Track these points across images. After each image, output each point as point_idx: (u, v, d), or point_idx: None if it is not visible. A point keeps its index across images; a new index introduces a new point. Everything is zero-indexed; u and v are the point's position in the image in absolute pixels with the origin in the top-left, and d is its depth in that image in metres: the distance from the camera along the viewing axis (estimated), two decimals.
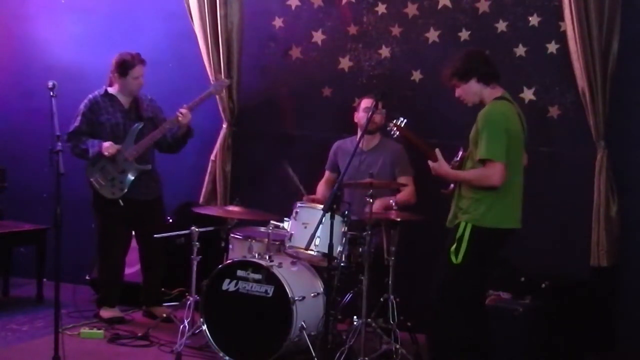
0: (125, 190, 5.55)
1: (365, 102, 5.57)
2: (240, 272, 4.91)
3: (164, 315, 5.51)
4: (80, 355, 4.79)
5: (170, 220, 6.05)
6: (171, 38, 6.51)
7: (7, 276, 6.32)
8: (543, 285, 5.15)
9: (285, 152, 6.28)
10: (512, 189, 4.32)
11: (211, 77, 6.26)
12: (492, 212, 4.25)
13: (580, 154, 5.53)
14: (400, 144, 5.55)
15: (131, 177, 5.56)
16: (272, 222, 5.19)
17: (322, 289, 5.03)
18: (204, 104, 5.73)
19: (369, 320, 4.85)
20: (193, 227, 5.18)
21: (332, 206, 4.49)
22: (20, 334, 5.35)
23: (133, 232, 5.84)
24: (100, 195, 5.58)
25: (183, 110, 5.53)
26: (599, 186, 5.39)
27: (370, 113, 4.88)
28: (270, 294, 4.83)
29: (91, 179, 5.59)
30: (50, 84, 4.52)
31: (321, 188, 5.82)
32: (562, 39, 5.52)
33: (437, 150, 4.40)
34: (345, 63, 6.14)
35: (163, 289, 5.95)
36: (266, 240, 5.15)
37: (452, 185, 4.46)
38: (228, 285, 4.93)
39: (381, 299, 4.97)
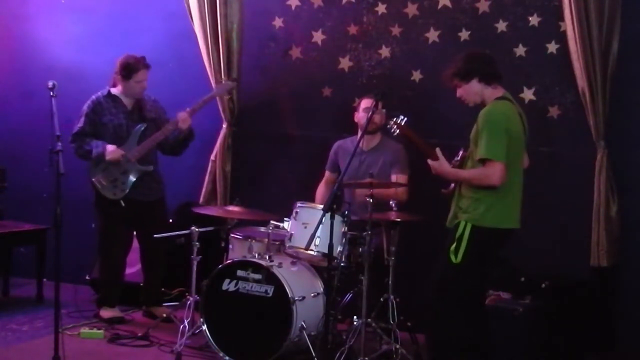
0: (127, 190, 5.55)
1: (365, 103, 5.57)
2: (240, 272, 4.91)
3: (164, 315, 5.52)
4: (80, 355, 4.79)
5: (170, 221, 6.05)
6: (171, 38, 6.51)
7: (7, 276, 6.32)
8: (543, 285, 5.15)
9: (285, 152, 6.29)
10: (512, 189, 4.32)
11: (211, 77, 6.26)
12: (492, 212, 4.25)
13: (580, 154, 5.53)
14: (401, 144, 5.56)
15: (133, 178, 5.56)
16: (272, 222, 5.19)
17: (322, 289, 5.03)
18: (196, 105, 5.72)
19: (369, 320, 4.85)
20: (193, 227, 5.18)
21: (332, 206, 4.49)
22: (20, 334, 5.35)
23: (134, 233, 5.83)
24: (102, 195, 5.58)
25: (182, 115, 5.52)
26: (599, 186, 5.39)
27: (370, 113, 4.88)
28: (270, 294, 4.83)
29: (93, 179, 5.59)
30: (50, 84, 4.52)
31: (321, 188, 5.82)
32: (562, 39, 5.52)
33: (437, 150, 4.40)
34: (345, 63, 6.14)
35: (163, 289, 5.95)
36: (266, 240, 5.15)
37: (452, 185, 4.46)
38: (228, 285, 4.93)
39: (381, 299, 4.97)
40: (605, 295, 5.42)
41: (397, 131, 4.66)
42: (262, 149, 6.38)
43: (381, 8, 6.02)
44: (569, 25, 5.37)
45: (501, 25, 5.73)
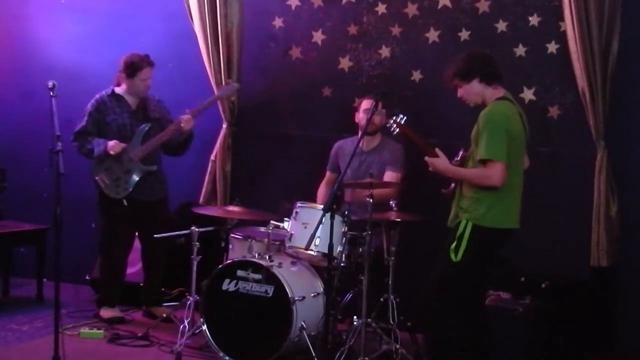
0: (130, 190, 5.55)
1: (366, 104, 5.57)
2: (240, 272, 4.91)
3: (164, 315, 5.52)
4: (80, 355, 4.79)
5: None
6: (171, 38, 6.51)
7: (7, 276, 6.33)
8: (543, 285, 5.15)
9: (285, 152, 6.28)
10: (513, 189, 4.32)
11: (211, 77, 6.27)
12: (493, 212, 4.25)
13: (580, 154, 5.53)
14: (400, 144, 5.56)
15: (136, 177, 5.56)
16: (272, 222, 5.19)
17: (322, 289, 5.03)
18: (197, 106, 5.72)
19: (369, 320, 4.85)
20: (193, 227, 5.18)
21: (332, 206, 4.50)
22: (20, 334, 5.35)
23: (136, 233, 5.83)
24: (105, 194, 5.58)
25: (185, 117, 5.52)
26: (599, 186, 5.39)
27: (370, 114, 4.88)
28: (270, 294, 4.83)
29: (96, 178, 5.59)
30: (50, 84, 4.52)
31: (322, 189, 5.82)
32: (562, 39, 5.52)
33: (437, 150, 4.40)
34: (345, 63, 6.14)
35: (163, 289, 5.95)
36: (266, 240, 5.15)
37: (452, 185, 4.46)
38: (228, 285, 4.93)
39: (381, 299, 4.97)
40: (605, 295, 5.42)
41: (397, 130, 4.65)
42: (262, 149, 6.39)
43: (381, 8, 6.02)
44: (569, 25, 5.37)
45: (501, 25, 5.73)
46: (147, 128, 5.62)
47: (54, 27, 6.88)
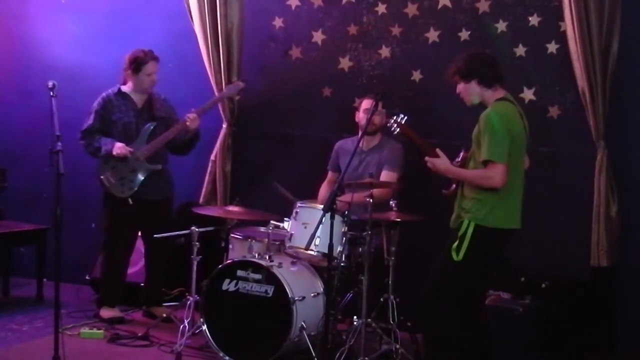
0: (135, 189, 5.55)
1: (366, 104, 5.57)
2: (240, 272, 4.91)
3: (164, 315, 5.52)
4: (80, 355, 4.79)
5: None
6: (171, 38, 6.51)
7: (7, 276, 6.33)
8: (543, 285, 5.15)
9: (285, 152, 6.29)
10: (514, 190, 4.32)
11: (211, 77, 6.27)
12: (495, 212, 4.25)
13: (580, 154, 5.53)
14: (400, 144, 5.56)
15: (141, 176, 5.56)
16: (272, 222, 5.19)
17: (322, 289, 5.03)
18: (202, 105, 5.73)
19: (369, 320, 4.85)
20: (193, 227, 5.18)
21: (332, 206, 4.50)
22: (20, 334, 5.35)
23: (139, 233, 5.83)
24: (111, 193, 5.58)
25: (191, 115, 5.53)
26: (599, 186, 5.39)
27: (369, 114, 4.88)
28: (270, 294, 4.83)
29: (102, 177, 5.58)
30: (50, 84, 4.52)
31: (324, 188, 5.82)
32: (562, 39, 5.52)
33: (437, 150, 4.40)
34: (345, 63, 6.14)
35: (163, 289, 5.95)
36: (266, 240, 5.15)
37: (453, 186, 4.45)
38: (228, 285, 4.93)
39: (381, 299, 4.97)
40: (605, 295, 5.42)
41: (397, 130, 4.65)
42: (262, 149, 6.39)
43: (381, 8, 6.02)
44: (569, 25, 5.37)
45: (501, 25, 5.73)
46: (152, 127, 5.62)
47: (54, 27, 6.88)
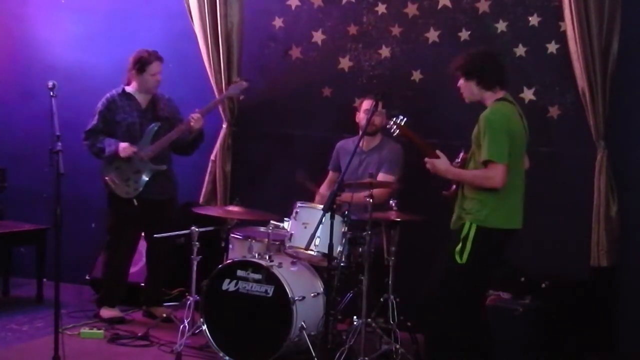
0: (140, 189, 5.55)
1: (366, 104, 5.57)
2: (240, 272, 4.91)
3: (164, 315, 5.52)
4: (80, 355, 4.79)
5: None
6: (171, 38, 6.51)
7: (7, 276, 6.33)
8: (543, 285, 5.15)
9: (285, 152, 6.28)
10: (515, 190, 4.32)
11: (211, 77, 6.27)
12: (496, 213, 4.24)
13: (580, 154, 5.53)
14: (399, 145, 5.56)
15: (145, 177, 5.56)
16: (272, 222, 5.19)
17: (322, 289, 5.03)
18: (206, 105, 5.73)
19: (369, 320, 4.85)
20: (193, 227, 5.18)
21: (332, 206, 4.50)
22: (20, 334, 5.35)
23: (142, 233, 5.83)
24: (115, 194, 5.58)
25: (195, 116, 5.53)
26: (599, 186, 5.39)
27: (369, 114, 4.88)
28: (270, 294, 4.83)
29: (106, 178, 5.58)
30: (50, 84, 4.52)
31: (325, 188, 5.82)
32: (562, 39, 5.52)
33: (437, 151, 4.40)
34: (345, 63, 6.14)
35: (163, 289, 5.95)
36: (266, 240, 5.15)
37: (453, 187, 4.45)
38: (228, 285, 4.93)
39: (381, 299, 4.97)
40: (605, 295, 5.42)
41: (397, 131, 4.66)
42: (262, 149, 6.38)
43: (381, 8, 6.02)
44: (569, 25, 5.37)
45: (501, 25, 5.73)
46: (156, 127, 5.62)
47: (54, 27, 6.88)
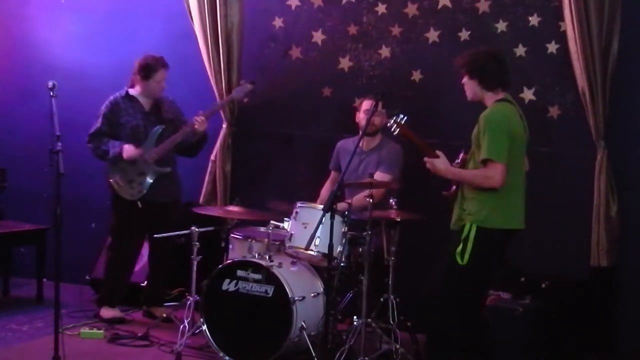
0: (144, 192, 5.55)
1: (366, 104, 5.57)
2: (240, 272, 4.91)
3: (164, 315, 5.52)
4: (80, 355, 4.79)
5: None
6: (171, 38, 6.51)
7: (7, 276, 6.33)
8: (543, 285, 5.15)
9: (285, 152, 6.29)
10: (515, 190, 4.31)
11: (211, 77, 6.27)
12: (497, 213, 4.24)
13: (580, 154, 5.53)
14: (399, 145, 5.56)
15: (149, 180, 5.56)
16: (272, 222, 5.19)
17: (322, 289, 5.03)
18: (206, 105, 5.72)
19: (369, 320, 4.85)
20: (193, 227, 5.18)
21: (332, 206, 4.50)
22: (20, 334, 5.35)
23: (146, 234, 5.82)
24: (119, 196, 5.58)
25: (199, 118, 5.53)
26: (599, 186, 5.39)
27: (369, 114, 4.88)
28: (270, 294, 4.83)
29: (110, 180, 5.58)
30: (50, 84, 4.52)
31: (326, 188, 5.83)
32: (562, 39, 5.52)
33: (437, 151, 4.40)
34: (345, 63, 6.14)
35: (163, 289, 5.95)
36: (266, 240, 5.14)
37: (453, 187, 4.45)
38: (228, 285, 4.93)
39: (381, 299, 4.97)
40: (605, 295, 5.42)
41: (397, 130, 4.65)
42: (262, 149, 6.39)
43: (381, 8, 6.02)
44: (569, 25, 5.38)
45: (501, 25, 5.73)
46: (160, 130, 5.62)
47: (54, 27, 6.88)
